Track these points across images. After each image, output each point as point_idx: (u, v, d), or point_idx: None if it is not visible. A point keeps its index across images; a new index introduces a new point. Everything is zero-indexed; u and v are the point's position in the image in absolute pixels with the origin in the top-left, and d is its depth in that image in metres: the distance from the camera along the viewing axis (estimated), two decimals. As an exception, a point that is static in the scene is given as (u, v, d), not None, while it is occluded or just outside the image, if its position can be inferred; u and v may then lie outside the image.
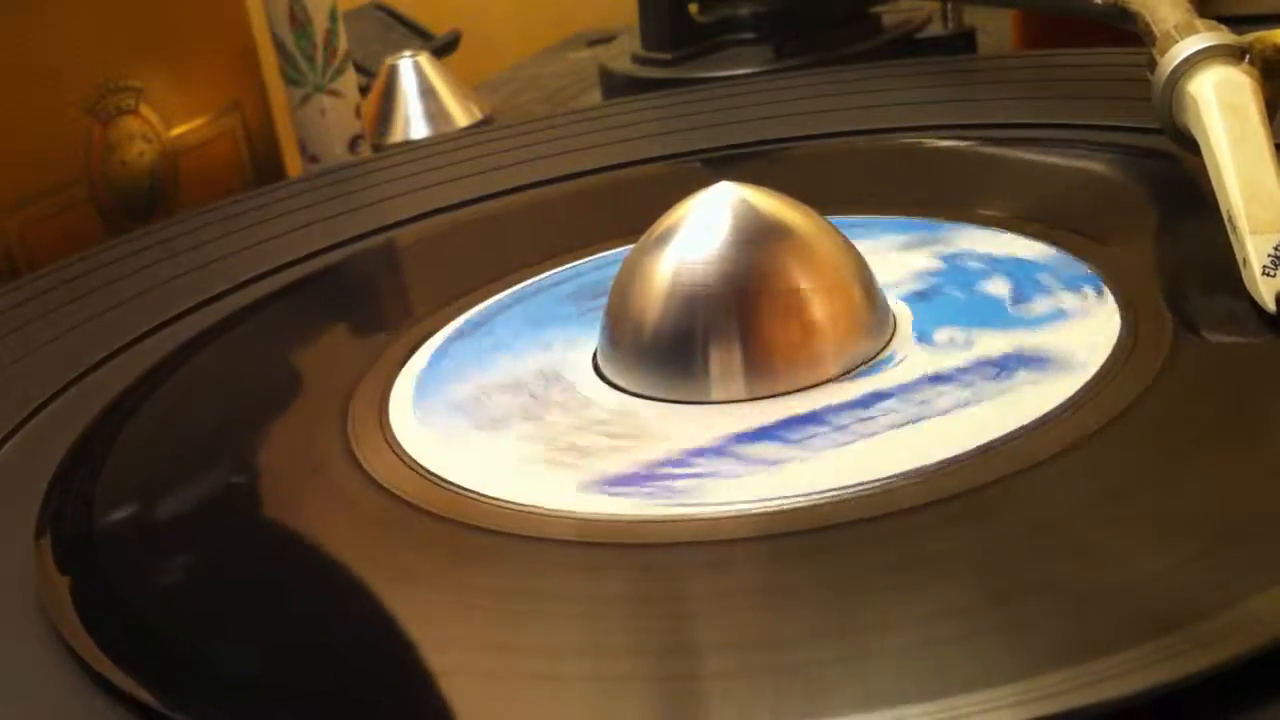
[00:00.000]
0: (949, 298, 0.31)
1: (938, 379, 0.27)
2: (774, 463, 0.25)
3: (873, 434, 0.26)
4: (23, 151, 0.46)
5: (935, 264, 0.32)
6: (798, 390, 0.27)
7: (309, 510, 0.27)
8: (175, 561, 0.26)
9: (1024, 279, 0.31)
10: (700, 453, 0.26)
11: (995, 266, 0.32)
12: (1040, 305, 0.30)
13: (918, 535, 0.23)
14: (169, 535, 0.27)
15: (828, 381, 0.28)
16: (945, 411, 0.26)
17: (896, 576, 0.22)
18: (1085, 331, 0.28)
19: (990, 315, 0.30)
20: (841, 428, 0.26)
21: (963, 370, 0.27)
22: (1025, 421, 0.25)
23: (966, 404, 0.26)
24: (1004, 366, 0.27)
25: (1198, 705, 0.18)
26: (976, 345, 0.28)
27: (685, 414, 0.27)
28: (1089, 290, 0.30)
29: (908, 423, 0.26)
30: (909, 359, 0.28)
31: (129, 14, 0.50)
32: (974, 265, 0.32)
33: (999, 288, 0.31)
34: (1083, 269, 0.31)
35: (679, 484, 0.25)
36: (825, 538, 0.23)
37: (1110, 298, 0.29)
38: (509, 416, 0.28)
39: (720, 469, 0.25)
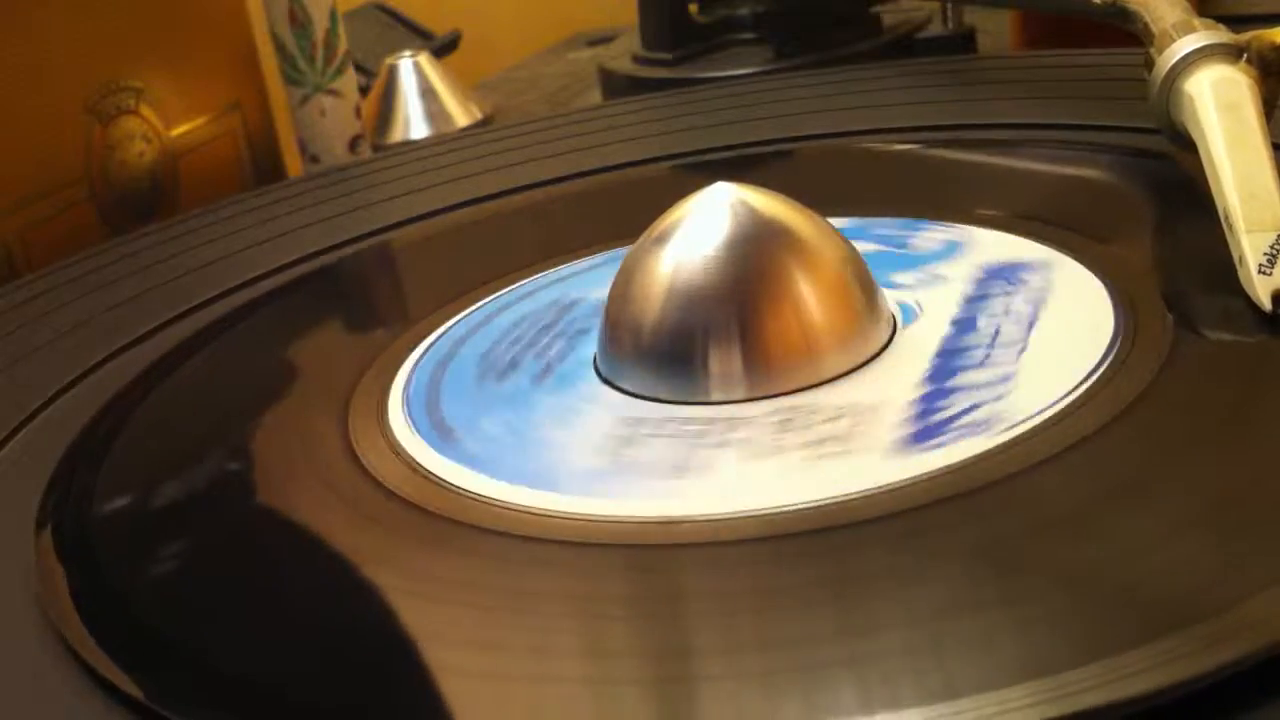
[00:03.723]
0: None
1: (977, 298, 0.30)
2: (999, 381, 0.26)
3: (1021, 341, 0.28)
4: (23, 151, 0.46)
5: None
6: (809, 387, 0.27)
7: (308, 509, 0.27)
8: (174, 559, 0.26)
9: (870, 237, 0.33)
10: (930, 398, 0.26)
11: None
12: (922, 243, 0.33)
13: (920, 535, 0.23)
14: (168, 533, 0.27)
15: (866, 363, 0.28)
16: (1032, 308, 0.29)
17: (897, 577, 0.22)
18: (993, 243, 0.32)
19: (904, 261, 0.32)
20: (991, 345, 0.28)
21: (982, 286, 0.30)
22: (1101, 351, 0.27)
23: (1035, 300, 0.29)
24: (1002, 275, 0.30)
25: (1204, 705, 0.18)
26: (947, 275, 0.31)
27: (843, 392, 0.27)
28: (934, 228, 0.34)
29: (1030, 324, 0.28)
30: (921, 300, 0.30)
31: (129, 14, 0.50)
32: None
33: (867, 246, 0.32)
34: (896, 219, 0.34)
35: (973, 417, 0.25)
36: (826, 538, 0.23)
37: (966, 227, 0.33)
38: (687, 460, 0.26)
39: (974, 400, 0.26)
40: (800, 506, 0.24)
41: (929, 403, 0.26)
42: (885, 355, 0.28)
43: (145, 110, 0.51)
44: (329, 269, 0.40)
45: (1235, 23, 0.33)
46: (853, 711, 0.19)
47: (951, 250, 0.32)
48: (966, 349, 0.28)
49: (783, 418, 0.27)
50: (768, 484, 0.25)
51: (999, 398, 0.26)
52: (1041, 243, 0.32)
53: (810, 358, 0.28)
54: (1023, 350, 0.27)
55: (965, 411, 0.26)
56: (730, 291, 0.28)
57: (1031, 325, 0.28)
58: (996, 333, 0.28)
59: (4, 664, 0.24)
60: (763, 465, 0.25)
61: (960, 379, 0.27)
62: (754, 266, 0.28)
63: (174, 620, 0.24)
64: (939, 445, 0.25)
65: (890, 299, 0.30)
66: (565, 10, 0.81)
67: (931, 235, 0.33)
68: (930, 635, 0.20)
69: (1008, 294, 0.30)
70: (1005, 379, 0.26)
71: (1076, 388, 0.26)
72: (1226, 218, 0.29)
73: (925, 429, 0.25)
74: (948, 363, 0.27)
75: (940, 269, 0.31)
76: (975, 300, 0.30)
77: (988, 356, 0.27)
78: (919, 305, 0.30)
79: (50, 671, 0.23)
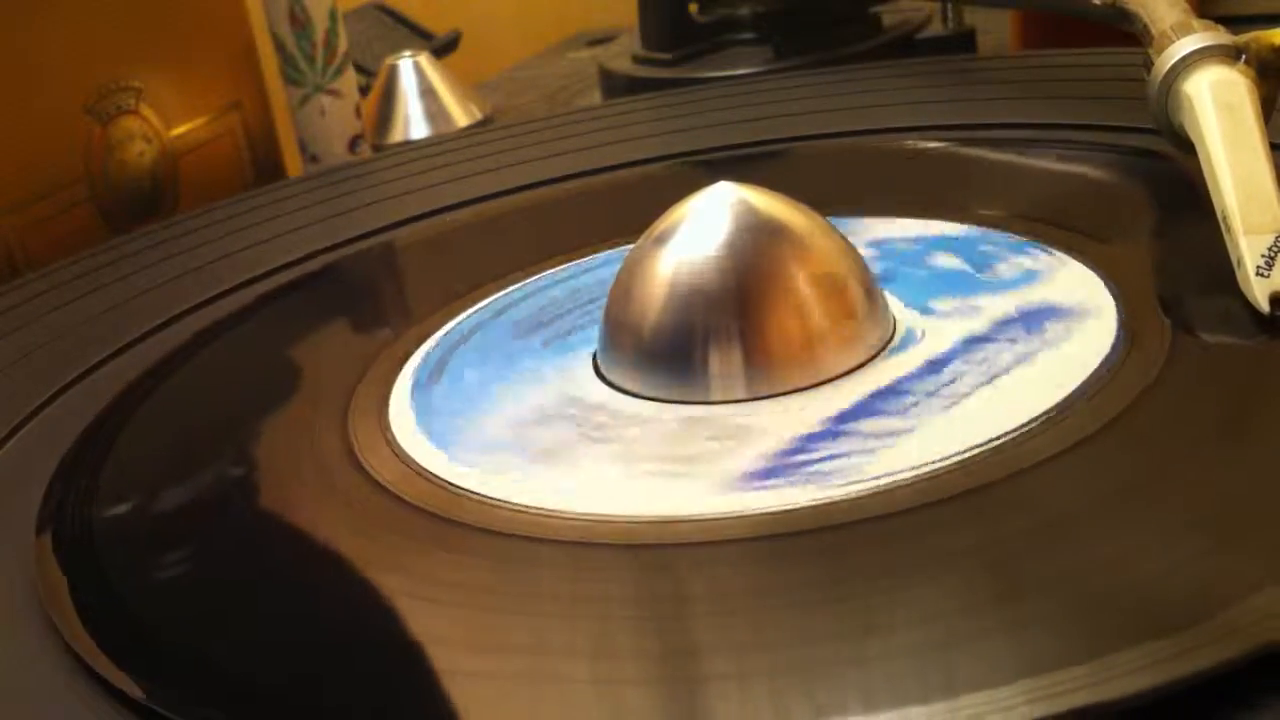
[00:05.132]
0: (912, 275, 0.31)
1: (978, 340, 0.28)
2: (894, 434, 0.25)
3: (966, 394, 0.26)
4: (23, 151, 0.46)
5: (868, 251, 0.32)
6: (813, 385, 0.27)
7: (309, 510, 0.27)
8: (175, 560, 0.26)
9: (968, 251, 0.32)
10: (814, 438, 0.26)
11: (932, 244, 0.33)
12: (1005, 269, 0.31)
13: (919, 535, 0.23)
14: (169, 534, 0.27)
15: (857, 369, 0.28)
16: (1015, 364, 0.27)
17: (896, 577, 0.22)
18: (1069, 283, 0.30)
19: (967, 284, 0.31)
20: (932, 394, 0.26)
21: (994, 330, 0.28)
22: (1101, 355, 0.26)
23: (1027, 356, 0.27)
24: (1027, 321, 0.28)
25: (1200, 704, 0.18)
26: (983, 310, 0.29)
27: (762, 410, 0.27)
28: (1037, 253, 0.31)
29: (991, 379, 0.26)
30: (930, 330, 0.29)
31: (129, 14, 0.50)
32: (906, 246, 0.33)
33: (952, 261, 0.32)
34: (1014, 237, 0.32)
35: (822, 467, 0.25)
36: (825, 538, 0.23)
37: (1064, 255, 0.31)
38: (569, 445, 0.27)
39: (848, 448, 0.25)
40: (801, 506, 0.24)
41: (803, 442, 0.25)
42: (848, 378, 0.27)
43: (145, 110, 0.51)
44: (329, 269, 0.40)
45: (1234, 23, 0.33)
46: (850, 711, 0.19)
47: (1026, 279, 0.30)
48: (906, 391, 0.27)
49: (681, 423, 0.27)
50: (607, 486, 0.25)
51: (870, 451, 0.25)
52: (1041, 242, 0.32)
53: (808, 359, 0.28)
54: (951, 408, 0.26)
55: (825, 459, 0.25)
56: (730, 292, 0.28)
57: (999, 376, 0.26)
58: (951, 382, 0.27)
59: (5, 666, 0.24)
60: (608, 467, 0.26)
61: (861, 425, 0.26)
62: (754, 267, 0.28)
63: (175, 620, 0.24)
64: (767, 488, 0.24)
65: (909, 323, 0.29)
66: (565, 10, 0.81)
67: (1019, 262, 0.31)
68: (927, 635, 0.20)
69: (1015, 341, 0.28)
70: (895, 434, 0.25)
71: (1113, 328, 0.26)
72: (1224, 219, 0.29)
73: (766, 470, 0.25)
74: (870, 404, 0.26)
75: (984, 301, 0.30)
76: (974, 341, 0.28)
77: (911, 406, 0.26)
78: (922, 334, 0.29)
79: (51, 673, 0.23)
